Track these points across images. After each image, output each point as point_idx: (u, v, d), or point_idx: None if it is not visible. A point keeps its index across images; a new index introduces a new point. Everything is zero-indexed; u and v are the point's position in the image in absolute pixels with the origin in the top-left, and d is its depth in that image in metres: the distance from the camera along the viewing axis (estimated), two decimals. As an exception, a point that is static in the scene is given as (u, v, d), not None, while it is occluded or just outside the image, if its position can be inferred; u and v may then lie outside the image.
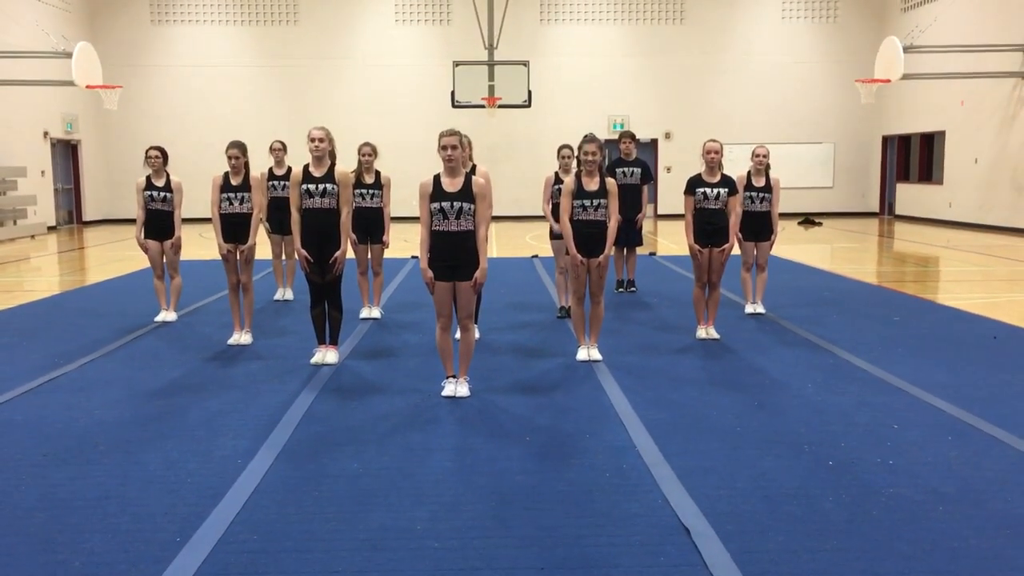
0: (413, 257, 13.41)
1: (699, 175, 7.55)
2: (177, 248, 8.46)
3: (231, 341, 7.47)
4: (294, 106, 23.24)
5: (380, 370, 6.53)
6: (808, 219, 22.11)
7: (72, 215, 22.61)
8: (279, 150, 9.59)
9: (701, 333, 7.63)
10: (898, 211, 23.44)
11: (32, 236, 18.91)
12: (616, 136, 10.45)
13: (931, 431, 4.94)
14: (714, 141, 7.57)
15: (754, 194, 8.52)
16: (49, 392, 5.94)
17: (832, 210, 24.19)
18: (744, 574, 3.21)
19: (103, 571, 3.30)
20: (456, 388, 5.76)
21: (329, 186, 6.50)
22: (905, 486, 4.09)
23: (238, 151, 7.47)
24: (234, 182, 7.47)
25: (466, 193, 5.56)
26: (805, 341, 7.45)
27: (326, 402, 5.64)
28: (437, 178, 5.63)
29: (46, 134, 20.83)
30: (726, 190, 7.45)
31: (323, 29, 23.48)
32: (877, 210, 24.48)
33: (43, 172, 20.70)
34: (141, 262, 13.68)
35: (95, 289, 11.19)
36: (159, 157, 8.25)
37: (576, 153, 6.76)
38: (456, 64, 19.19)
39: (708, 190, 7.46)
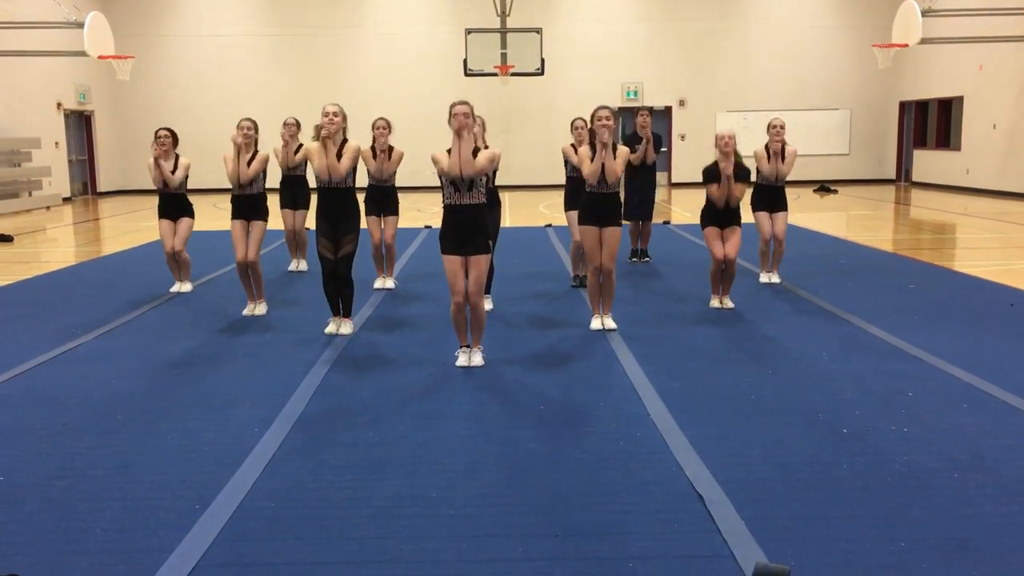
0: (427, 227, 13.41)
1: (715, 164, 7.49)
2: (190, 226, 8.48)
3: (245, 312, 7.51)
4: (306, 75, 23.15)
5: (394, 340, 6.56)
6: (824, 187, 21.95)
7: (86, 186, 22.68)
8: (292, 125, 9.54)
9: (715, 303, 7.62)
10: (915, 178, 23.22)
11: (47, 207, 18.98)
12: (630, 103, 10.43)
13: (946, 399, 4.93)
14: (727, 131, 7.50)
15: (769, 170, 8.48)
16: (67, 363, 5.99)
17: (848, 177, 23.99)
18: (758, 541, 3.23)
19: (123, 538, 3.35)
20: (470, 357, 5.78)
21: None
22: (919, 454, 4.09)
23: (250, 123, 7.43)
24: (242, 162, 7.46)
25: (476, 183, 5.61)
26: (820, 309, 7.43)
27: (341, 372, 5.67)
28: (449, 152, 5.63)
29: (59, 105, 20.84)
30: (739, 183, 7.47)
31: (335, -3, 23.31)
32: (894, 177, 24.26)
33: (57, 143, 20.74)
34: (156, 233, 13.71)
35: (110, 260, 11.25)
36: (169, 138, 8.17)
37: (589, 123, 6.70)
38: (468, 32, 19.04)
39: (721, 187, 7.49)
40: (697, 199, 9.39)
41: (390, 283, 8.70)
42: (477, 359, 5.78)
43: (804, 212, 15.94)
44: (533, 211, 17.20)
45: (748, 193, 7.98)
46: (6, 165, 18.42)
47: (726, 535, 3.29)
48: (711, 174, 7.49)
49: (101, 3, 21.97)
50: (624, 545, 3.25)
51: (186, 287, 8.57)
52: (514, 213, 16.63)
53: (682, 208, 17.65)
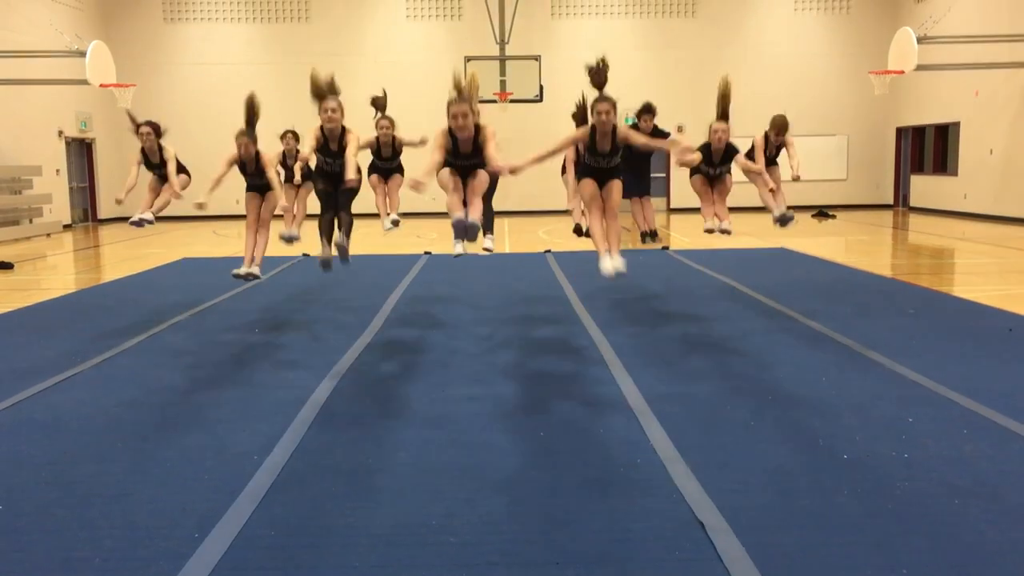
0: (426, 253, 13.43)
1: (708, 146, 7.91)
2: (186, 183, 8.61)
3: (237, 271, 7.78)
4: (306, 102, 23.11)
5: (395, 366, 6.56)
6: (822, 212, 22.02)
7: (87, 213, 22.75)
8: (290, 138, 9.68)
9: (709, 224, 7.92)
10: (913, 203, 23.31)
11: (48, 234, 19.03)
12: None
13: (946, 424, 4.92)
14: (721, 123, 7.88)
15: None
16: (66, 390, 5.99)
17: (846, 202, 24.08)
18: (760, 568, 3.22)
19: (122, 567, 3.33)
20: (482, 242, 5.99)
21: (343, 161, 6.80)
22: (920, 479, 4.08)
23: (245, 140, 7.62)
24: (248, 168, 7.83)
25: (478, 150, 5.84)
26: (819, 334, 7.43)
27: (342, 398, 5.67)
28: (451, 132, 5.85)
29: (61, 133, 20.95)
30: (726, 166, 7.83)
31: (334, 26, 23.51)
32: (891, 202, 24.35)
33: (58, 170, 20.83)
34: (156, 260, 13.78)
35: (111, 287, 11.26)
36: (151, 134, 8.29)
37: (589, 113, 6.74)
38: (467, 59, 19.16)
39: (712, 170, 8.18)
40: (697, 223, 9.42)
41: (394, 216, 8.71)
42: (487, 242, 5.96)
43: (802, 237, 15.98)
44: (533, 237, 17.24)
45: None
46: (7, 192, 18.50)
47: (727, 562, 3.28)
48: (704, 149, 7.91)
49: (103, 31, 22.16)
50: (625, 572, 3.24)
51: (147, 216, 8.52)
52: (513, 239, 16.67)
53: (681, 234, 17.69)
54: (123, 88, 17.77)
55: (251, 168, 7.74)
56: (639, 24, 23.85)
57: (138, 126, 8.32)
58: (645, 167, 9.98)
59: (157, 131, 8.36)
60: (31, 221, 19.03)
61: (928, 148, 22.78)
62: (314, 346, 7.15)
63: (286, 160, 9.58)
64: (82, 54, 16.25)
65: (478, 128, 6.22)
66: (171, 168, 8.38)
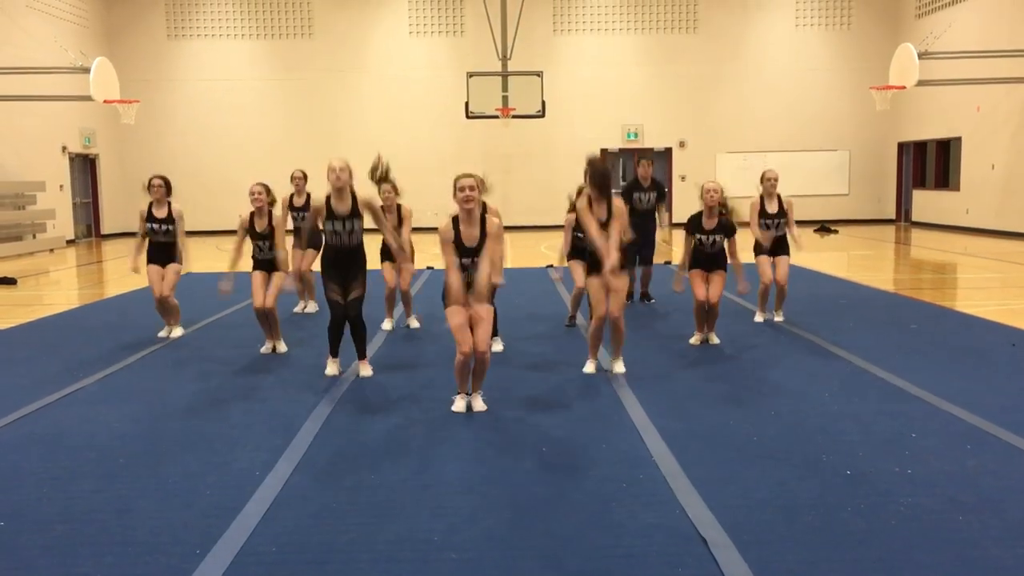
0: (429, 268, 13.44)
1: (700, 215, 7.58)
2: (178, 272, 8.39)
3: (263, 349, 7.70)
4: (309, 118, 23.39)
5: (396, 382, 6.55)
6: (824, 227, 22.03)
7: (90, 228, 22.80)
8: (300, 179, 9.66)
9: (695, 340, 7.75)
10: (915, 218, 23.32)
11: (51, 250, 19.07)
12: (630, 145, 10.51)
13: (949, 440, 4.91)
14: (713, 183, 7.51)
15: (769, 221, 8.56)
16: (68, 405, 5.99)
17: (848, 217, 24.09)
18: (762, 585, 3.21)
19: (124, 583, 3.32)
20: (472, 403, 5.74)
21: (356, 223, 6.49)
22: (923, 495, 4.07)
23: (262, 188, 7.56)
24: (259, 228, 7.59)
25: (483, 245, 5.58)
26: (821, 349, 7.43)
27: (343, 414, 5.66)
28: (456, 223, 5.60)
29: (64, 148, 21.03)
30: (722, 235, 7.53)
31: (337, 42, 23.63)
32: (893, 217, 24.37)
33: (61, 186, 20.89)
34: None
35: (114, 302, 11.27)
36: (162, 186, 8.19)
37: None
38: (470, 75, 19.24)
39: (704, 237, 7.56)
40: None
41: (415, 323, 8.81)
42: (479, 404, 5.74)
43: (805, 252, 15.95)
44: (534, 252, 17.25)
45: (747, 236, 8.07)
46: (11, 208, 18.55)
47: (730, 579, 3.27)
48: (695, 224, 7.59)
49: (107, 48, 22.29)
50: (627, 589, 3.23)
51: (176, 332, 8.52)
52: (515, 254, 16.68)
53: (682, 248, 17.65)
54: (127, 104, 17.85)
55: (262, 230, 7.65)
56: (640, 40, 23.94)
57: (150, 180, 8.28)
58: (650, 236, 9.91)
59: (168, 187, 8.30)
60: (35, 236, 19.08)
61: (930, 163, 22.81)
62: (316, 361, 7.14)
63: (293, 204, 9.59)
64: (86, 70, 16.32)
65: (484, 224, 5.67)
66: (180, 230, 8.30)
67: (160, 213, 8.23)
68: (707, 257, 7.66)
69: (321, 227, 6.68)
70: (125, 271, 15.10)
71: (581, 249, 7.36)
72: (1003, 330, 8.17)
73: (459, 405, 5.72)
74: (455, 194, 5.60)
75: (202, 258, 16.92)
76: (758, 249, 8.68)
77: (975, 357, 7.06)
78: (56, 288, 13.71)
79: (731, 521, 3.78)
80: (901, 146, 23.92)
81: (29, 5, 19.73)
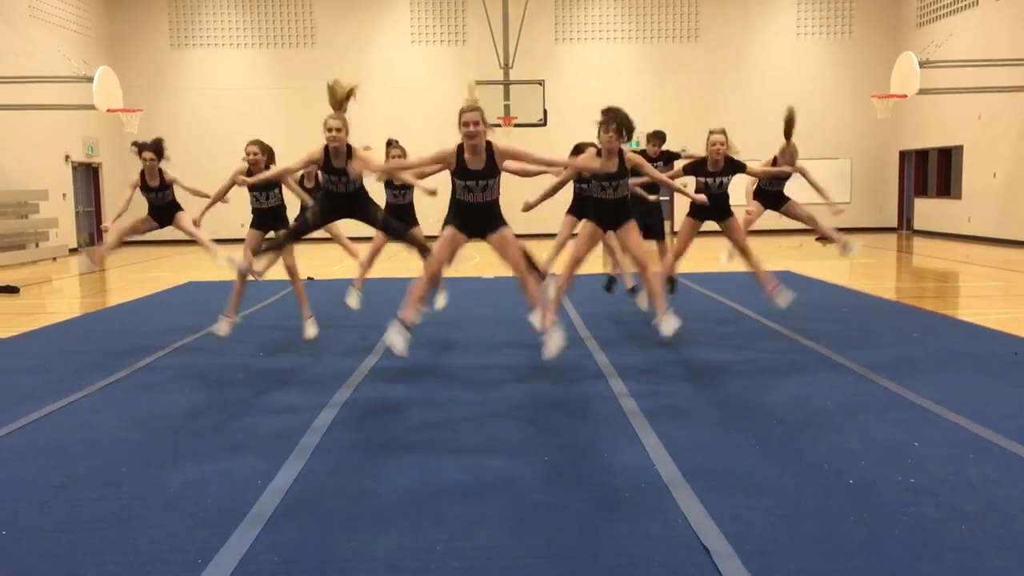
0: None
1: (703, 161, 7.63)
2: (197, 220, 8.62)
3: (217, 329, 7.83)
4: (312, 127, 23.20)
5: (399, 389, 6.55)
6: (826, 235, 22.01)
7: (93, 237, 22.83)
8: (255, 154, 9.68)
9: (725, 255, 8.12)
10: (916, 226, 23.33)
11: (54, 258, 19.10)
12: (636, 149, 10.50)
13: (952, 449, 4.90)
14: (719, 133, 7.62)
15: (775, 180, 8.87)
16: (70, 414, 5.99)
17: (849, 226, 24.01)
18: (765, 594, 3.20)
19: (125, 592, 3.32)
20: (533, 319, 6.01)
21: (353, 179, 6.64)
22: (926, 505, 4.06)
23: (256, 148, 7.64)
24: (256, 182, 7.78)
25: (491, 169, 5.66)
26: (823, 357, 7.42)
27: (345, 422, 5.66)
28: (460, 151, 5.69)
29: (67, 157, 21.08)
30: (731, 175, 7.56)
31: (340, 51, 23.69)
32: (895, 225, 24.37)
33: (64, 195, 20.94)
34: (162, 283, 13.81)
35: (116, 310, 11.28)
36: (154, 159, 8.41)
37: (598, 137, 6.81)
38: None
39: (711, 180, 7.58)
40: (699, 245, 9.44)
41: (441, 301, 9.02)
42: (539, 320, 5.93)
43: (807, 260, 15.99)
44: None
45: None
46: (13, 217, 18.59)
47: (733, 588, 3.26)
48: (698, 168, 7.62)
49: (110, 57, 22.35)
50: (630, 599, 3.22)
51: (222, 256, 8.53)
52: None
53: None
54: (130, 113, 17.90)
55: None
56: (642, 49, 24.00)
57: (141, 149, 8.40)
58: (655, 207, 9.89)
59: (159, 151, 8.43)
60: (37, 245, 19.11)
61: (931, 171, 22.82)
62: (318, 370, 7.14)
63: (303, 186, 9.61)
64: (89, 79, 16.38)
65: (492, 151, 5.94)
66: (186, 184, 8.58)
67: (153, 182, 8.50)
68: (712, 201, 7.55)
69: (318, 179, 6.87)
70: (128, 279, 15.15)
71: (582, 204, 7.27)
72: (1006, 339, 8.16)
73: (395, 337, 5.81)
74: (460, 127, 5.68)
75: (205, 266, 16.94)
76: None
77: (978, 366, 7.05)
78: (58, 296, 13.72)
79: (733, 530, 3.77)
80: (903, 154, 23.94)
81: (32, 15, 19.81)
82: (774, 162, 8.76)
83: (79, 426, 5.65)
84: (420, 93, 23.54)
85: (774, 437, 5.18)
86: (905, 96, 17.74)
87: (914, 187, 23.62)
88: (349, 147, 6.71)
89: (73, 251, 20.90)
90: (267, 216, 7.89)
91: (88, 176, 22.62)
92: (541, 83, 19.23)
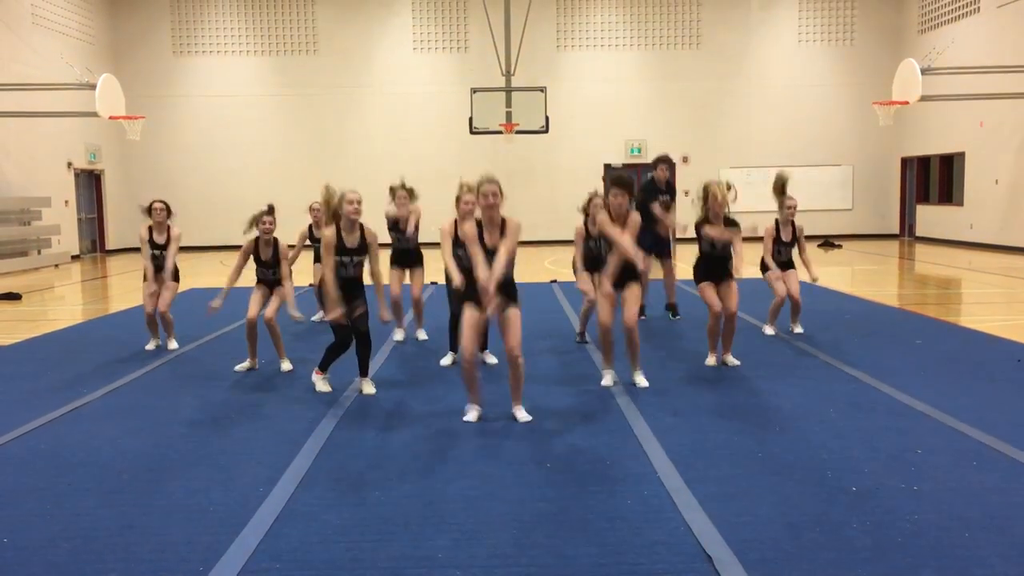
0: (432, 283, 13.44)
1: (705, 220, 7.44)
2: (174, 290, 8.62)
3: (239, 368, 7.61)
4: (314, 134, 23.47)
5: (399, 397, 6.54)
6: (828, 242, 22.03)
7: (95, 244, 22.87)
8: (317, 211, 9.71)
9: (711, 360, 7.52)
10: (918, 233, 23.32)
11: (56, 265, 19.11)
12: (633, 160, 10.49)
13: (955, 456, 4.89)
14: (721, 190, 7.39)
15: (783, 248, 8.83)
16: (72, 421, 5.99)
17: (851, 232, 24.10)
18: (768, 602, 3.19)
19: (127, 600, 3.31)
20: (515, 414, 5.80)
21: (362, 258, 6.54)
22: (929, 512, 4.05)
23: (272, 219, 7.52)
24: (264, 256, 7.56)
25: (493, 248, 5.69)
26: (826, 365, 7.41)
27: (347, 429, 5.66)
28: (479, 227, 5.70)
29: (70, 164, 21.11)
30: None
31: (342, 58, 23.74)
32: (897, 232, 24.37)
33: (67, 202, 20.97)
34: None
35: (118, 318, 11.28)
36: (164, 210, 8.40)
37: (605, 198, 6.86)
38: (474, 91, 19.33)
39: (715, 244, 7.44)
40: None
41: (423, 335, 8.92)
42: (522, 415, 5.77)
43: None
44: (538, 267, 17.24)
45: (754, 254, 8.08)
46: (16, 223, 18.62)
47: (735, 596, 3.25)
48: (700, 230, 7.52)
49: (113, 64, 22.40)
50: (632, 607, 3.21)
51: (173, 344, 8.64)
52: (519, 269, 16.65)
53: (686, 263, 17.66)
54: (132, 120, 17.92)
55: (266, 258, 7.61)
56: (644, 56, 24.03)
57: (151, 204, 8.43)
58: (667, 236, 9.84)
59: (168, 211, 8.46)
60: (39, 252, 19.13)
61: (933, 178, 22.82)
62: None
63: (312, 235, 9.69)
64: (92, 87, 16.41)
65: (504, 225, 5.81)
66: (172, 250, 8.47)
67: (160, 239, 8.45)
68: (716, 263, 7.43)
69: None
70: (130, 286, 15.15)
71: (594, 259, 7.32)
72: (1008, 345, 8.14)
73: (471, 415, 5.76)
74: (479, 199, 5.64)
75: (205, 273, 16.96)
76: (764, 267, 8.75)
77: (980, 373, 7.03)
78: (60, 303, 13.73)
79: (736, 538, 3.76)
80: (905, 161, 23.94)
81: (36, 22, 19.86)
82: (776, 227, 8.69)
83: (81, 433, 5.65)
84: (422, 100, 23.58)
85: (777, 444, 5.17)
86: (907, 103, 17.74)
87: (916, 194, 23.62)
88: (362, 228, 6.53)
89: (75, 258, 20.92)
90: (270, 282, 7.72)
91: (90, 183, 22.65)
92: (543, 90, 19.27)
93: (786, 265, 8.83)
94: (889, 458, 4.86)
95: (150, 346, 8.64)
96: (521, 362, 5.75)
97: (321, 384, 6.73)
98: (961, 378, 6.86)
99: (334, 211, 6.41)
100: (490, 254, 5.70)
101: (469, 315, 5.72)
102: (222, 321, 9.95)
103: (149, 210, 8.42)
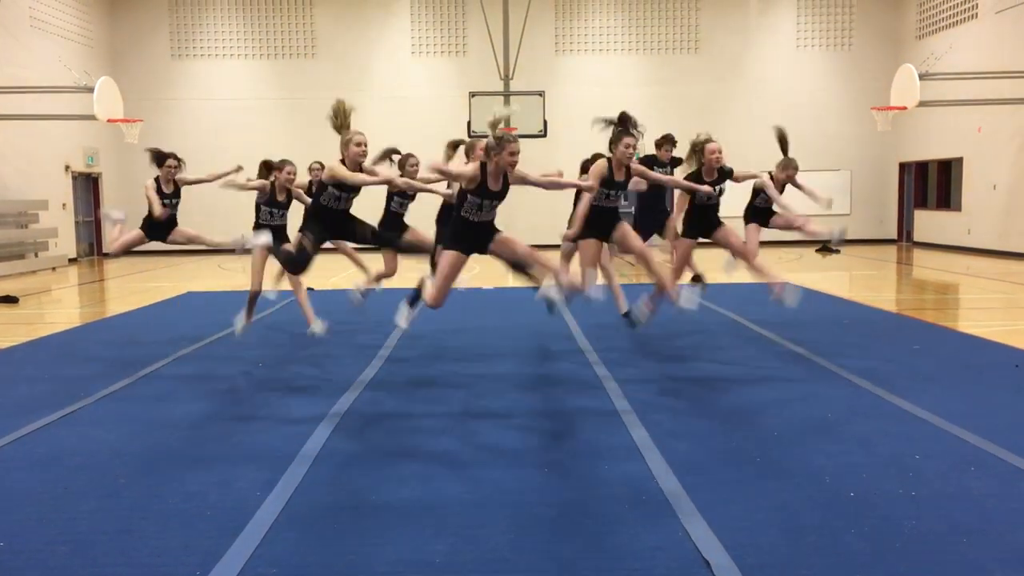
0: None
1: (698, 171, 7.88)
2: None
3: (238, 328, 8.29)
4: (312, 138, 23.34)
5: (398, 399, 6.54)
6: (826, 246, 22.03)
7: (92, 247, 22.84)
8: (318, 170, 9.73)
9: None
10: (916, 238, 23.34)
11: (53, 268, 19.09)
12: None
13: (953, 462, 4.89)
14: (715, 143, 8.03)
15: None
16: (69, 425, 5.97)
17: (849, 237, 24.00)
18: (766, 608, 3.18)
19: (123, 605, 3.30)
20: (548, 290, 6.09)
21: (354, 195, 6.98)
22: (928, 518, 4.05)
23: (293, 167, 8.25)
24: (279, 197, 8.24)
25: (505, 190, 5.95)
26: (823, 370, 7.41)
27: (344, 434, 5.65)
28: (483, 172, 5.87)
29: (67, 167, 21.09)
30: (724, 183, 7.98)
31: (340, 62, 23.74)
32: (895, 237, 24.39)
33: (64, 205, 20.94)
34: (161, 293, 13.80)
35: (115, 321, 11.27)
36: (177, 167, 8.72)
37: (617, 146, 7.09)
38: (472, 95, 19.35)
39: (713, 196, 7.93)
40: (698, 255, 9.42)
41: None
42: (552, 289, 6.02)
43: (807, 272, 15.99)
44: (536, 271, 17.23)
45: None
46: (13, 227, 18.59)
47: (734, 602, 3.24)
48: (695, 179, 7.88)
49: (111, 68, 22.39)
50: (630, 612, 3.21)
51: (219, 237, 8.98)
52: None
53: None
54: (130, 123, 17.92)
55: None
56: (642, 60, 24.06)
57: (165, 158, 8.58)
58: (661, 204, 9.92)
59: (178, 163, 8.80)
60: (37, 255, 19.10)
61: (931, 183, 22.85)
62: (318, 382, 7.13)
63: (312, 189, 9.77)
64: (90, 90, 16.41)
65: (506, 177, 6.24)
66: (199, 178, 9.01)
67: (168, 188, 8.69)
68: (708, 212, 7.92)
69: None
70: (127, 289, 15.14)
71: (598, 216, 7.36)
72: (1006, 351, 8.15)
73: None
74: (502, 155, 5.98)
75: (204, 276, 16.96)
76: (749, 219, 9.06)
77: (979, 378, 7.04)
78: (58, 307, 13.72)
79: (734, 543, 3.76)
80: (903, 166, 23.97)
81: (34, 25, 19.85)
82: (771, 178, 8.82)
83: (78, 437, 5.64)
84: (420, 104, 23.58)
85: (774, 449, 5.17)
86: (905, 108, 17.77)
87: (914, 199, 23.64)
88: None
89: (73, 261, 20.90)
90: (274, 233, 7.93)
91: (88, 186, 22.63)
92: (541, 94, 19.30)
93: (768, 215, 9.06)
94: (887, 463, 4.86)
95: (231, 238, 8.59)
96: (530, 255, 6.08)
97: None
98: (959, 383, 6.87)
99: (341, 152, 6.99)
100: (491, 196, 5.95)
101: (457, 259, 5.87)
102: (222, 324, 9.95)
103: (160, 162, 8.61)
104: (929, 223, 22.80)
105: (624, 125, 7.00)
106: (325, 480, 4.72)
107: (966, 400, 6.30)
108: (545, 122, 19.17)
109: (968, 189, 20.76)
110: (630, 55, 24.08)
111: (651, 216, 9.68)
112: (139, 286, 15.54)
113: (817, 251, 21.29)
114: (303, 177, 10.07)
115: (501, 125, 6.53)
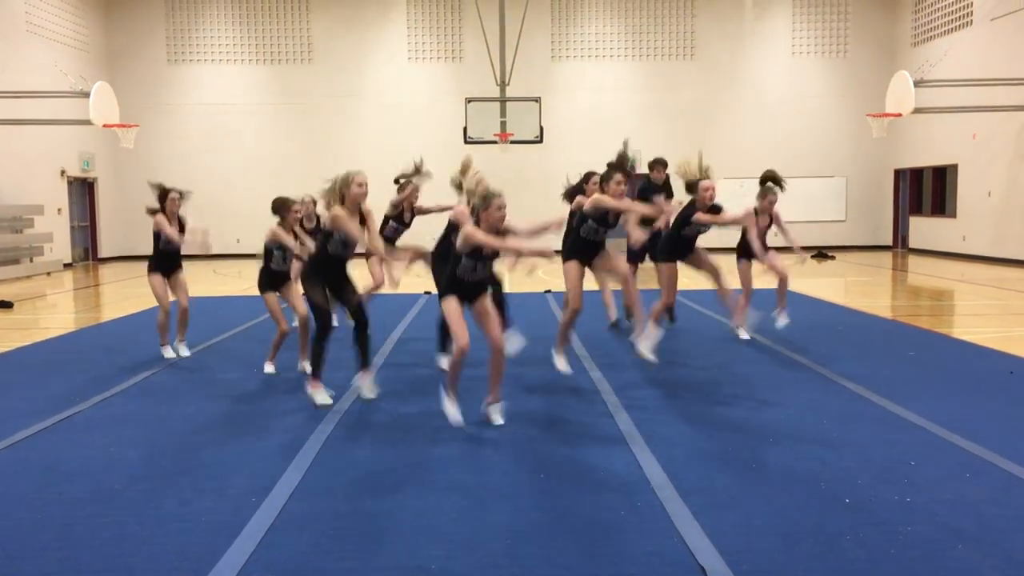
0: (426, 293, 13.44)
1: (692, 207, 8.19)
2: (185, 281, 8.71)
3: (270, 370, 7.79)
4: (308, 144, 23.46)
5: (393, 407, 6.53)
6: (821, 253, 22.08)
7: (88, 252, 22.80)
8: (310, 203, 9.71)
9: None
10: (911, 244, 23.39)
11: (48, 273, 19.06)
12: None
13: (948, 468, 4.90)
14: (710, 180, 8.22)
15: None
16: (64, 430, 5.96)
17: (845, 244, 24.15)
18: (761, 614, 3.18)
19: (118, 611, 3.29)
20: (490, 414, 5.88)
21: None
22: (923, 524, 4.05)
23: (300, 206, 7.85)
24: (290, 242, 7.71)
25: (495, 251, 5.81)
26: (819, 376, 7.42)
27: (340, 440, 5.64)
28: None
29: (63, 172, 21.07)
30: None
31: (337, 68, 23.75)
32: (890, 244, 24.43)
33: (60, 210, 20.91)
34: (155, 299, 13.74)
35: (110, 326, 11.25)
36: (179, 199, 8.48)
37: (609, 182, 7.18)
38: (468, 101, 19.36)
39: (701, 228, 8.23)
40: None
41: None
42: (496, 417, 5.85)
43: (802, 278, 16.00)
44: (532, 277, 17.25)
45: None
46: (8, 231, 18.56)
47: (729, 608, 3.24)
48: (687, 218, 8.21)
49: (107, 73, 22.40)
50: (626, 618, 3.20)
51: (184, 351, 8.57)
52: (512, 279, 16.67)
53: (681, 275, 17.66)
54: (126, 128, 17.90)
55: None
56: (638, 66, 24.10)
57: (167, 191, 8.41)
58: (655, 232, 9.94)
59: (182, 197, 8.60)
60: (32, 260, 19.07)
61: (926, 190, 22.91)
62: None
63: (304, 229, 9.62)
64: (86, 95, 16.39)
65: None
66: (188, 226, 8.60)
67: (174, 223, 8.46)
68: (687, 242, 8.28)
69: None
70: (123, 294, 15.11)
71: (584, 246, 7.42)
72: (1001, 358, 8.16)
73: (451, 410, 5.79)
74: (490, 212, 5.75)
75: (200, 282, 16.93)
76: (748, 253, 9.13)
77: (973, 385, 7.05)
78: (53, 312, 13.69)
79: (729, 549, 3.76)
80: (898, 173, 24.03)
81: (30, 30, 19.85)
82: (756, 213, 8.94)
83: (72, 443, 5.62)
84: (416, 110, 23.60)
85: (770, 456, 5.18)
86: (900, 115, 17.82)
87: (909, 206, 23.70)
88: (362, 210, 6.58)
89: (68, 266, 20.87)
90: (276, 278, 7.75)
91: (84, 191, 22.60)
92: (537, 100, 19.31)
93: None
94: (882, 469, 4.87)
95: (170, 354, 8.49)
96: (506, 353, 5.88)
97: (320, 397, 6.50)
98: (954, 390, 6.88)
99: (340, 192, 6.42)
100: (483, 258, 5.77)
101: (456, 305, 5.79)
102: (216, 330, 9.95)
103: (162, 198, 8.37)
104: (924, 230, 22.86)
105: (612, 171, 7.14)
106: (320, 486, 4.71)
107: (961, 406, 6.31)
108: (541, 128, 19.18)
109: (963, 196, 20.82)
110: (626, 61, 24.13)
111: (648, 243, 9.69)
112: (134, 291, 15.50)
113: (812, 257, 21.33)
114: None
115: (472, 172, 6.53)
